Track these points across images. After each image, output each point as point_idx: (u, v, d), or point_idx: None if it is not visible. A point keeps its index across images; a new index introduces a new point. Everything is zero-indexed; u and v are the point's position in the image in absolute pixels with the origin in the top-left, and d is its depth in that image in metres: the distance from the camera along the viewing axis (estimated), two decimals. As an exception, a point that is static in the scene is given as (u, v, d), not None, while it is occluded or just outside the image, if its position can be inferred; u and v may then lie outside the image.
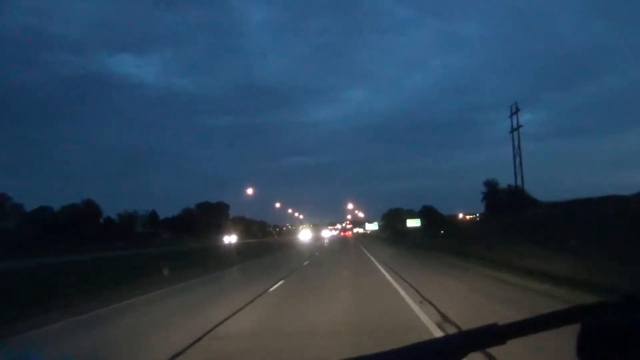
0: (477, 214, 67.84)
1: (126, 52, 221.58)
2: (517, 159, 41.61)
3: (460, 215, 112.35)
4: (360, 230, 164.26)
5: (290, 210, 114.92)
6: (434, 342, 1.31)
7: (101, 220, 66.49)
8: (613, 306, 1.19)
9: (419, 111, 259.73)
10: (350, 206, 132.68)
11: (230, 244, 53.82)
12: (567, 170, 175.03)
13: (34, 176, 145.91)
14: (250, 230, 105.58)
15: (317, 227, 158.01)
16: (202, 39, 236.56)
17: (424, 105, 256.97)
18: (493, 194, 39.16)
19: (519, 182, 40.24)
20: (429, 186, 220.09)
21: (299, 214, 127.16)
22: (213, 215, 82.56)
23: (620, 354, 1.09)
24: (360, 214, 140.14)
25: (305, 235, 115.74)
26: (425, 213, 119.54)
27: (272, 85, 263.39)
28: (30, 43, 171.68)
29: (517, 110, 42.70)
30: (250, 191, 63.41)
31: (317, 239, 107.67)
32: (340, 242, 73.06)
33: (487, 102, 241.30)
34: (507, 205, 34.77)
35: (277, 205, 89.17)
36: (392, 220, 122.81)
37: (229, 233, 65.29)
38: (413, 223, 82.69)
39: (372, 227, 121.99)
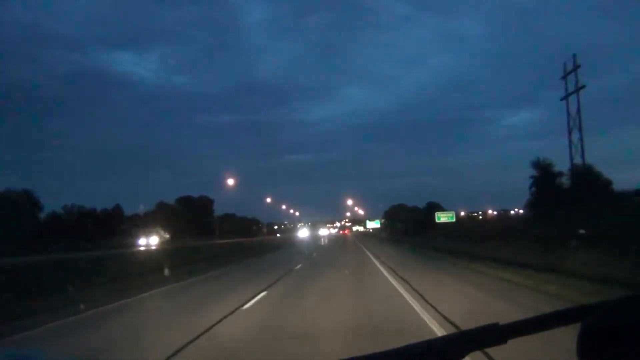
0: (519, 209, 56.12)
1: (124, 49, 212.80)
2: (577, 133, 30.53)
3: (462, 213, 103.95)
4: (361, 229, 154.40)
5: (284, 207, 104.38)
6: (434, 342, 1.26)
7: (42, 215, 55.55)
8: (614, 306, 1.17)
9: (418, 109, 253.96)
10: (349, 204, 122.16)
11: (148, 249, 38.56)
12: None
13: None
14: (237, 228, 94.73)
15: (316, 225, 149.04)
16: (200, 36, 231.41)
17: (422, 103, 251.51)
18: (548, 179, 28.00)
19: (575, 163, 29.44)
20: (428, 184, 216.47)
21: (297, 212, 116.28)
22: (194, 212, 71.73)
23: (620, 354, 1.09)
24: (360, 211, 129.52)
25: (302, 233, 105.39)
26: (430, 210, 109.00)
27: (271, 82, 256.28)
28: (27, 39, 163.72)
29: (576, 67, 31.47)
30: (231, 182, 52.61)
31: (315, 237, 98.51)
32: (338, 242, 62.95)
33: (486, 99, 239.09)
34: (574, 193, 24.04)
35: (268, 200, 78.35)
36: (394, 217, 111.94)
37: (147, 234, 52.23)
38: (445, 218, 68.29)
39: (373, 225, 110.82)
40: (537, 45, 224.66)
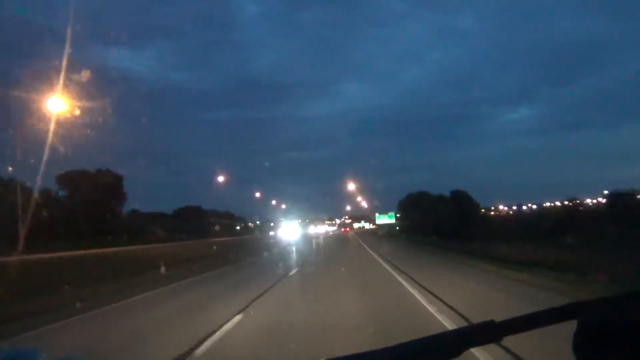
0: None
1: (121, 45, 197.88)
2: None
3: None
4: (367, 225, 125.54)
5: (274, 202, 74.23)
6: (431, 339, 1.25)
7: None
8: (610, 303, 1.18)
9: (417, 105, 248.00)
10: (349, 198, 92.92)
11: None
12: (566, 166, 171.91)
13: None
14: (193, 227, 64.25)
15: (312, 223, 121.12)
16: (197, 32, 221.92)
17: (421, 99, 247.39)
18: None
19: None
20: (429, 181, 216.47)
21: (291, 209, 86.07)
22: (87, 198, 41.57)
23: (616, 350, 1.09)
24: (364, 204, 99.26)
25: (286, 232, 74.10)
26: (456, 200, 78.78)
27: (268, 79, 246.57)
28: (21, 35, 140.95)
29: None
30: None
31: (307, 238, 69.36)
32: (337, 249, 33.61)
33: (484, 96, 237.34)
34: None
35: (219, 179, 48.38)
36: (412, 209, 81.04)
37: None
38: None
39: (385, 220, 79.51)
40: (535, 41, 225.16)
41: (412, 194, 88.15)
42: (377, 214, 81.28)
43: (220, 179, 48.51)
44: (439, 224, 64.49)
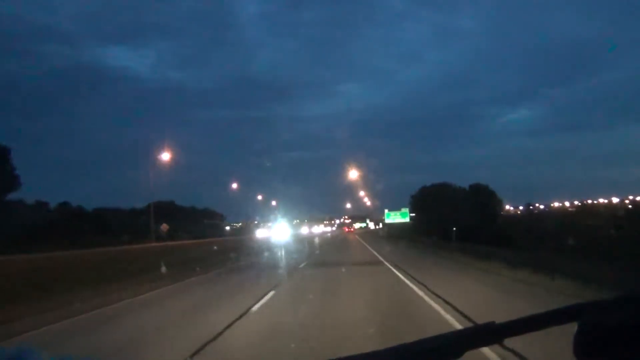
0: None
1: (119, 44, 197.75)
2: None
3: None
4: (371, 225, 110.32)
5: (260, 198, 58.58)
6: (432, 340, 1.24)
7: None
8: (611, 305, 1.18)
9: (417, 105, 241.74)
10: (349, 198, 78.38)
11: None
12: (567, 166, 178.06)
13: None
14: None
15: (309, 223, 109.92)
16: (197, 31, 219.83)
17: (421, 99, 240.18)
18: None
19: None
20: (429, 182, 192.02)
21: (274, 203, 72.31)
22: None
23: (617, 353, 1.10)
24: (366, 201, 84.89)
25: (275, 233, 59.06)
26: (477, 195, 63.21)
27: (268, 78, 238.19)
28: (20, 33, 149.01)
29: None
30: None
31: (299, 240, 54.68)
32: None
33: (485, 96, 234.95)
34: None
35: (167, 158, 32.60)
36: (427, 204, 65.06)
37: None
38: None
39: (397, 219, 63.39)
40: (535, 41, 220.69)
41: (427, 188, 72.16)
42: (386, 211, 65.09)
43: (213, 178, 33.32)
44: (469, 226, 48.88)
